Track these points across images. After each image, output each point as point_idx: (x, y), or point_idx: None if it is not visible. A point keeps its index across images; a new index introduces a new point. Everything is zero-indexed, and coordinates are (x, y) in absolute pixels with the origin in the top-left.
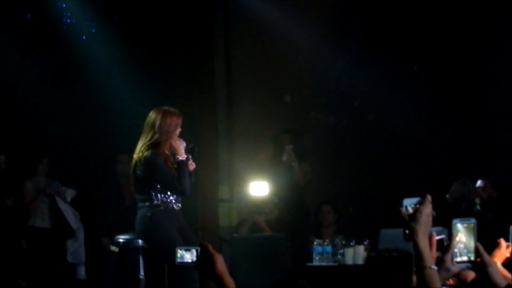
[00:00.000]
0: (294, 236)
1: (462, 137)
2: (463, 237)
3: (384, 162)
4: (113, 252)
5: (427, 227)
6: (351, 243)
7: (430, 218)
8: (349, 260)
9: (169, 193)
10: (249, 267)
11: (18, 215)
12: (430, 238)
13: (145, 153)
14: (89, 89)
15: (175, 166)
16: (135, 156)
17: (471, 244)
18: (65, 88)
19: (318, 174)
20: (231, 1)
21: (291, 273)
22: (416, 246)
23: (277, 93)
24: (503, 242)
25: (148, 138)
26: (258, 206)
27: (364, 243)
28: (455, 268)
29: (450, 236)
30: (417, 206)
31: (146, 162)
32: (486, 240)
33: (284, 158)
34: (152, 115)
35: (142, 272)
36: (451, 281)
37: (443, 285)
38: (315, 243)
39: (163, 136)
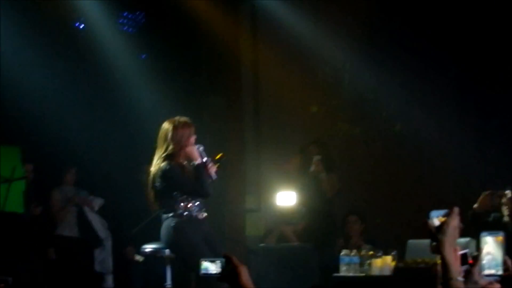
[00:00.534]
0: (321, 246)
1: (491, 147)
2: (491, 250)
3: (411, 172)
4: (138, 261)
5: (454, 239)
6: (378, 254)
7: (457, 231)
8: (376, 271)
9: (191, 202)
10: (276, 278)
11: (46, 224)
12: (454, 252)
13: (161, 166)
14: (117, 99)
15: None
16: (152, 169)
17: (500, 257)
18: (93, 97)
19: (345, 185)
20: (258, 10)
21: (318, 284)
22: (443, 258)
23: (304, 103)
24: None
25: (163, 151)
26: (285, 216)
27: (392, 254)
28: (482, 281)
29: (478, 248)
30: (445, 218)
31: (163, 174)
32: None
33: (312, 169)
34: (164, 127)
35: (169, 282)
36: None
37: None
38: (342, 253)
39: (176, 146)
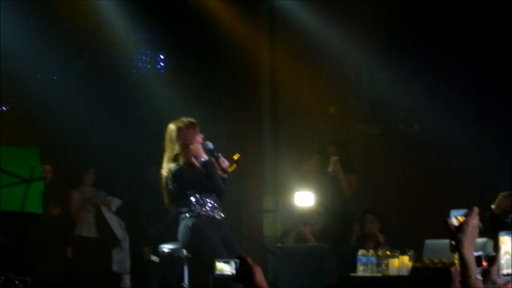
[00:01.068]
0: (338, 246)
1: (508, 147)
2: (509, 250)
3: (429, 172)
4: (154, 262)
5: (473, 238)
6: (395, 254)
7: (477, 230)
8: (393, 271)
9: (208, 202)
10: (293, 277)
11: (64, 225)
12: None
13: (171, 168)
14: (135, 100)
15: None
16: (163, 172)
17: None
18: (111, 98)
19: (363, 185)
20: (276, 11)
21: (335, 284)
22: (462, 257)
23: (322, 104)
24: None
25: (169, 152)
26: (303, 217)
27: (409, 253)
28: (500, 281)
29: (496, 247)
30: (464, 217)
31: (174, 175)
32: None
33: (330, 169)
34: (169, 129)
35: (186, 282)
36: None
37: None
38: (359, 253)
39: (182, 146)
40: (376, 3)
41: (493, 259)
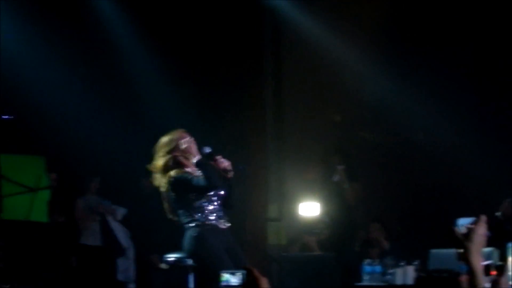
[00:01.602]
0: (343, 255)
1: None
2: None
3: (433, 181)
4: (161, 270)
5: (481, 247)
6: (401, 263)
7: (484, 239)
8: (399, 280)
9: (212, 212)
10: (298, 286)
11: (69, 233)
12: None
13: (169, 178)
14: (139, 108)
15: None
16: (161, 184)
17: None
18: (116, 106)
19: (367, 194)
20: (280, 19)
21: None
22: (470, 266)
23: (326, 112)
24: None
25: (162, 163)
26: (308, 226)
27: (414, 263)
28: None
29: (503, 257)
30: (472, 226)
31: (172, 184)
32: None
33: (335, 178)
34: (159, 142)
35: None
36: None
37: None
38: (364, 262)
39: (176, 155)
40: (378, 11)
41: (502, 268)
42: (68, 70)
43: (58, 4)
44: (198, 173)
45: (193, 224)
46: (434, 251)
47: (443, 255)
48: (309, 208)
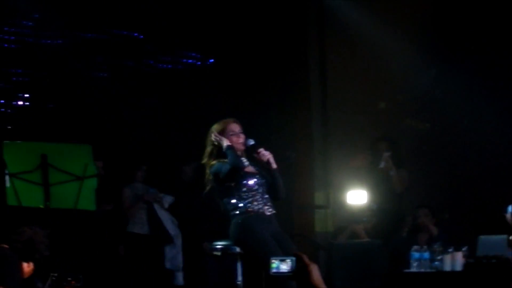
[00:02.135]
0: (391, 242)
1: None
2: None
3: (480, 168)
4: (214, 257)
5: None
6: (449, 250)
7: None
8: (447, 267)
9: (256, 200)
10: (346, 274)
11: (117, 221)
12: None
13: (210, 165)
14: (187, 97)
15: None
16: (207, 174)
17: None
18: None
19: (413, 181)
20: (325, 8)
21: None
22: None
23: (372, 99)
24: None
25: (205, 152)
26: (356, 215)
27: (463, 249)
28: None
29: None
30: None
31: (212, 172)
32: None
33: (381, 165)
34: (210, 131)
35: (240, 279)
36: None
37: None
38: (412, 249)
39: (213, 145)
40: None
41: None
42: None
43: None
44: (245, 162)
45: (237, 212)
46: (482, 237)
47: (491, 241)
48: (357, 196)
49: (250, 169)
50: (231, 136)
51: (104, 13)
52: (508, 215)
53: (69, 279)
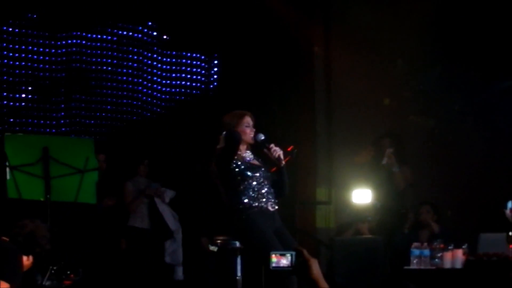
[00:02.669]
0: (392, 238)
1: None
2: None
3: (483, 165)
4: (212, 252)
5: None
6: (449, 247)
7: None
8: (447, 264)
9: (260, 195)
10: (347, 270)
11: (119, 215)
12: None
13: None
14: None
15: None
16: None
17: None
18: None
19: (417, 178)
20: (331, 3)
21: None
22: None
23: (376, 96)
24: None
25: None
26: (361, 213)
27: (463, 247)
28: None
29: None
30: None
31: (216, 162)
32: None
33: (384, 161)
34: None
35: (239, 273)
36: None
37: None
38: (413, 246)
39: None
40: None
41: None
42: None
43: None
44: (249, 156)
45: (241, 207)
46: (483, 235)
47: (492, 239)
48: (362, 195)
49: (255, 162)
50: (246, 128)
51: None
52: (507, 211)
53: (69, 272)
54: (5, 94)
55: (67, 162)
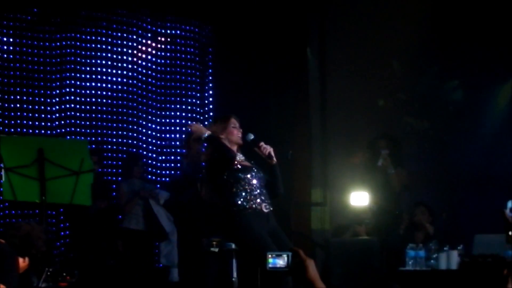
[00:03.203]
0: (388, 239)
1: None
2: None
3: (479, 167)
4: (211, 253)
5: None
6: (445, 248)
7: None
8: (442, 265)
9: (254, 196)
10: (343, 271)
11: (114, 217)
12: None
13: (205, 158)
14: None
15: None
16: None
17: None
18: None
19: (412, 179)
20: (326, 4)
21: (384, 278)
22: None
23: (372, 97)
24: None
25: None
26: (358, 216)
27: (458, 248)
28: None
29: None
30: None
31: (207, 164)
32: None
33: (379, 163)
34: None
35: (235, 275)
36: None
37: None
38: (408, 247)
39: (220, 137)
40: None
41: None
42: None
43: None
44: (240, 157)
45: (235, 209)
46: (479, 236)
47: (487, 240)
48: (359, 198)
49: (246, 163)
50: (233, 128)
51: None
52: (507, 211)
53: (64, 274)
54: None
55: (62, 163)
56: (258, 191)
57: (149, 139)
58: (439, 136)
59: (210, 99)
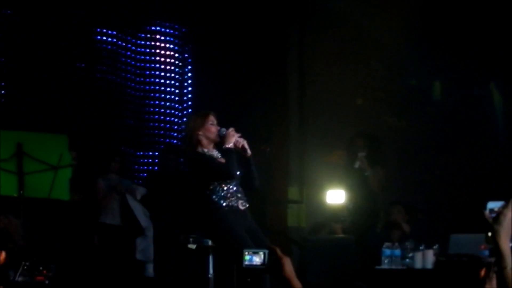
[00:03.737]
0: (364, 238)
1: None
2: None
3: (455, 166)
4: (188, 250)
5: (509, 230)
6: (420, 247)
7: None
8: (418, 264)
9: (230, 193)
10: (319, 269)
11: (90, 212)
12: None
13: (186, 153)
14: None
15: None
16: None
17: None
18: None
19: (390, 179)
20: (307, 4)
21: (359, 277)
22: (498, 248)
23: (350, 96)
24: None
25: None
26: (334, 214)
27: (434, 247)
28: None
29: None
30: (501, 209)
31: (189, 160)
32: None
33: (356, 165)
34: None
35: (211, 272)
36: None
37: None
38: (384, 246)
39: (194, 135)
40: None
41: None
42: None
43: None
44: (216, 154)
45: (211, 206)
46: (454, 235)
47: (463, 240)
48: (336, 196)
49: (222, 160)
50: (211, 126)
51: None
52: (487, 212)
53: (41, 268)
54: None
55: (41, 158)
56: (235, 188)
57: (127, 135)
58: (417, 135)
59: (189, 95)
